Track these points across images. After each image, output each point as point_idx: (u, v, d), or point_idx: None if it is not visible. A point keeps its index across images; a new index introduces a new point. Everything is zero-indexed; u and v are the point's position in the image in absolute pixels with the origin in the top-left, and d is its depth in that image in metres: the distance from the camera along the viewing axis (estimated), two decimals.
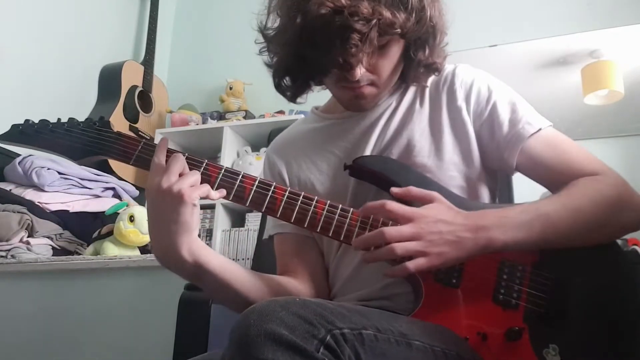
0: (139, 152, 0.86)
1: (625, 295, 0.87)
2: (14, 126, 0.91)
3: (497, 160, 0.97)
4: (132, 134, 2.50)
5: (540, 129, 0.94)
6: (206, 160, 0.86)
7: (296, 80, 0.96)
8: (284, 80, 0.97)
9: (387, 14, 0.82)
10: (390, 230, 0.79)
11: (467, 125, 0.96)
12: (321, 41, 0.83)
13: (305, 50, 0.87)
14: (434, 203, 0.84)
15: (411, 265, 0.78)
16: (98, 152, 0.88)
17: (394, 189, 0.87)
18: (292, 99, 1.00)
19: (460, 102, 0.97)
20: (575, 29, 2.32)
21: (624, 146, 2.25)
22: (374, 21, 0.81)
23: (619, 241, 1.73)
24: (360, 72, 0.87)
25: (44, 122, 0.91)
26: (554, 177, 0.93)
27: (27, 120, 0.91)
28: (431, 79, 1.01)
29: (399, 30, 0.84)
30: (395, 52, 0.90)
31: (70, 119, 0.91)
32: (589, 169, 0.92)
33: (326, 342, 0.62)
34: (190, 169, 0.84)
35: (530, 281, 0.85)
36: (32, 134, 0.89)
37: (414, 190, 0.85)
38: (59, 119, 0.91)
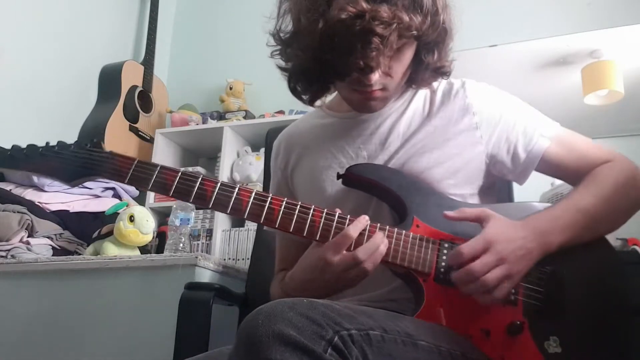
0: (133, 170, 0.86)
1: (617, 288, 0.90)
2: (2, 150, 0.90)
3: (509, 175, 1.01)
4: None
5: (553, 137, 0.97)
6: (202, 175, 0.87)
7: (313, 84, 0.96)
8: (300, 84, 0.97)
9: (405, 17, 0.82)
10: (477, 267, 0.79)
11: (475, 141, 0.97)
12: (342, 45, 0.83)
13: (325, 54, 0.86)
14: (491, 221, 0.84)
15: (498, 294, 0.80)
16: (90, 173, 0.87)
17: (448, 213, 0.87)
18: (310, 102, 1.01)
19: (471, 119, 0.98)
20: (575, 29, 2.32)
21: (624, 146, 2.25)
22: (394, 25, 0.81)
23: (618, 241, 1.73)
24: (375, 77, 0.88)
25: (32, 147, 0.89)
26: (571, 173, 0.98)
27: (14, 146, 0.89)
28: (442, 90, 1.02)
29: (415, 32, 0.85)
30: (408, 55, 0.91)
31: (60, 142, 0.90)
32: (602, 158, 0.97)
33: (334, 343, 0.62)
34: (186, 185, 0.85)
35: (526, 276, 0.86)
36: (21, 158, 0.88)
37: (468, 211, 0.87)
38: (47, 143, 0.90)
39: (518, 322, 0.83)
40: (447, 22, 0.91)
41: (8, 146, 0.90)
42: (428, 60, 0.94)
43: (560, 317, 0.85)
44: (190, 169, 2.46)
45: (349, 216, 0.86)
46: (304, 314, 0.63)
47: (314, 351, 0.60)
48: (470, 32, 2.43)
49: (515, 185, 1.17)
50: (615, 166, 0.96)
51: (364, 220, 0.84)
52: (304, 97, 0.99)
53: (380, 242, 0.83)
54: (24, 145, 0.90)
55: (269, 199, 0.86)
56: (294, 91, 0.98)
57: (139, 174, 0.86)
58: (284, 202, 0.86)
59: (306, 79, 0.95)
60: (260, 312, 0.64)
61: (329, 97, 1.08)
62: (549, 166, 0.98)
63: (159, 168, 0.86)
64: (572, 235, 0.87)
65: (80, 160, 0.88)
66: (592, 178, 0.94)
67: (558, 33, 2.34)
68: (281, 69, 0.97)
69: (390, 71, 0.90)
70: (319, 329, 0.62)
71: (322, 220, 0.85)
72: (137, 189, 2.33)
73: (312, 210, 0.86)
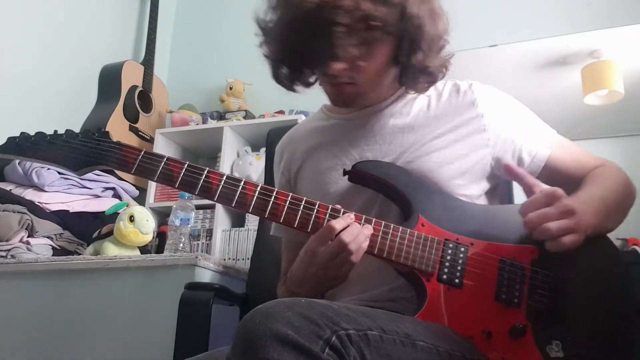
0: (140, 161, 0.87)
1: (622, 291, 0.90)
2: (10, 139, 0.90)
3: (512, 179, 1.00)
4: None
5: (554, 144, 0.99)
6: (207, 169, 0.87)
7: (291, 70, 0.99)
8: (281, 70, 0.99)
9: (368, 6, 0.83)
10: (536, 217, 0.81)
11: (482, 142, 0.98)
12: (307, 34, 0.86)
13: (294, 42, 0.90)
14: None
15: (567, 240, 0.80)
16: (97, 162, 0.88)
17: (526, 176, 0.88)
18: (290, 87, 1.02)
19: (479, 120, 0.98)
20: (575, 29, 2.32)
21: (624, 146, 2.25)
22: (357, 14, 0.82)
23: (618, 241, 1.74)
24: (337, 67, 0.88)
25: (40, 134, 0.90)
26: (571, 179, 0.98)
27: (22, 133, 0.90)
28: (448, 91, 1.02)
29: (380, 23, 0.84)
30: (380, 53, 0.90)
31: (68, 130, 0.90)
32: (595, 162, 0.99)
33: (331, 342, 0.62)
34: (192, 177, 0.86)
35: (530, 279, 0.86)
36: (29, 146, 0.89)
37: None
38: (55, 131, 0.90)
39: (521, 325, 0.82)
40: (423, 18, 0.88)
41: None
42: (410, 62, 0.91)
43: (563, 321, 0.84)
44: None
45: (353, 213, 0.86)
46: (302, 314, 0.63)
47: (311, 350, 0.60)
48: (470, 32, 2.44)
49: (515, 186, 1.17)
50: (610, 167, 0.98)
51: (351, 215, 0.85)
52: (284, 82, 1.00)
53: (361, 227, 0.84)
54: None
55: (274, 193, 0.87)
56: (276, 78, 1.00)
57: (145, 165, 0.87)
58: (289, 197, 0.87)
59: (284, 65, 0.98)
60: (258, 311, 0.64)
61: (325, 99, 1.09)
62: (551, 172, 0.99)
63: (165, 159, 0.87)
64: (599, 222, 0.87)
65: (88, 149, 0.89)
66: (597, 175, 0.95)
67: (558, 33, 2.34)
68: (265, 56, 1.00)
69: (357, 66, 0.89)
70: (317, 328, 0.62)
71: (327, 217, 0.86)
72: (135, 186, 2.33)
73: (317, 207, 0.86)
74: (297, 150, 1.09)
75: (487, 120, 0.98)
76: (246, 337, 0.62)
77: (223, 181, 0.86)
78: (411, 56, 0.90)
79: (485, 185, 1.00)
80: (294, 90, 1.03)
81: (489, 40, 2.40)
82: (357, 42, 0.86)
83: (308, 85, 1.00)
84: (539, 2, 2.48)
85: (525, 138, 0.98)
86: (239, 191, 0.86)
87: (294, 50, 0.92)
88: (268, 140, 1.50)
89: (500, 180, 1.03)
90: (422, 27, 0.89)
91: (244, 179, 0.87)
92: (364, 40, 0.86)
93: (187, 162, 0.87)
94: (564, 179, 0.99)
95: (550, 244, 0.81)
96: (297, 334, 0.61)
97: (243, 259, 2.31)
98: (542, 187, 0.86)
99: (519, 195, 1.21)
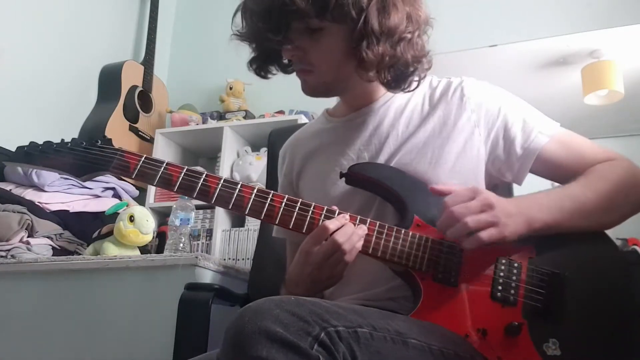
0: (140, 167, 0.90)
1: (621, 290, 0.89)
2: (19, 148, 0.94)
3: (506, 174, 0.99)
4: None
5: (551, 135, 0.96)
6: (205, 172, 0.89)
7: (256, 57, 1.04)
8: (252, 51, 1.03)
9: None
10: (458, 208, 0.81)
11: (475, 138, 0.97)
12: (255, 18, 0.92)
13: (250, 30, 0.97)
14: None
15: (484, 235, 0.80)
16: (101, 168, 0.91)
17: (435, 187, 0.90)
18: (262, 74, 1.05)
19: (470, 116, 0.98)
20: (575, 29, 2.32)
21: (624, 146, 2.25)
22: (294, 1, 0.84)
23: (618, 241, 1.74)
24: (286, 51, 0.93)
25: (48, 143, 0.94)
26: (569, 173, 0.96)
27: (31, 142, 0.95)
28: (440, 88, 1.02)
29: (312, 8, 0.86)
30: (330, 42, 0.91)
31: (74, 139, 0.95)
32: (602, 157, 0.96)
33: (320, 339, 0.62)
34: (190, 181, 0.88)
35: (527, 277, 0.87)
36: (37, 154, 0.93)
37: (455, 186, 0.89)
38: (62, 139, 0.95)
39: (516, 323, 0.82)
40: (371, 9, 0.86)
41: (7, 146, 0.92)
42: (361, 52, 0.88)
43: (560, 320, 0.84)
44: None
45: (348, 214, 0.87)
46: (291, 311, 0.64)
47: (299, 347, 0.61)
48: (470, 32, 2.44)
49: (515, 188, 1.17)
50: (615, 164, 0.95)
51: (345, 216, 0.86)
52: (253, 66, 1.05)
53: (355, 227, 0.85)
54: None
55: (270, 195, 0.88)
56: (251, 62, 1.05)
57: (145, 170, 0.90)
58: (285, 199, 0.88)
59: (254, 50, 1.02)
60: (247, 309, 0.65)
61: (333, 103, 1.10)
62: (545, 165, 0.97)
63: (165, 164, 0.89)
64: (558, 218, 0.87)
65: (92, 156, 0.92)
66: (589, 173, 0.94)
67: (558, 33, 2.34)
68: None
69: (307, 54, 0.92)
70: (306, 325, 0.63)
71: (322, 218, 0.86)
72: (135, 185, 2.34)
73: (312, 208, 0.87)
74: (299, 153, 1.10)
75: (477, 115, 0.97)
76: (235, 335, 0.62)
77: (220, 184, 0.88)
78: (360, 47, 0.88)
79: (482, 184, 0.99)
80: (266, 77, 1.06)
81: (489, 40, 2.40)
82: (303, 28, 0.89)
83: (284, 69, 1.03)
84: (539, 2, 2.48)
85: (519, 130, 0.96)
86: (235, 194, 0.87)
87: (258, 34, 0.96)
88: (270, 140, 1.50)
89: (498, 180, 1.02)
90: (366, 18, 0.87)
91: (240, 182, 0.88)
92: (312, 27, 0.89)
93: (186, 167, 0.89)
94: (560, 173, 0.97)
95: (468, 240, 0.81)
96: (286, 331, 0.61)
97: (243, 259, 2.31)
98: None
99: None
